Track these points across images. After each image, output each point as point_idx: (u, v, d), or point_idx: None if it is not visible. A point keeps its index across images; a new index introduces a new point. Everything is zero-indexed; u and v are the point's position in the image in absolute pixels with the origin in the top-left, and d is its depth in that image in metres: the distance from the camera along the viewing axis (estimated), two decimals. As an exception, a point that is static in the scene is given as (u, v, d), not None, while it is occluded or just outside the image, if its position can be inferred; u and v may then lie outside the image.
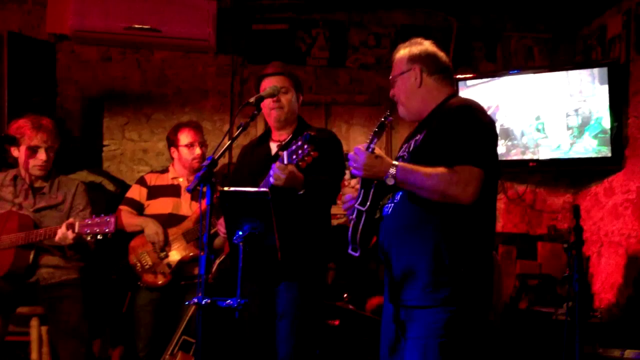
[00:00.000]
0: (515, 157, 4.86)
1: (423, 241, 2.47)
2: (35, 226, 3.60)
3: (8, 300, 3.64)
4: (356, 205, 2.56)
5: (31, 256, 3.60)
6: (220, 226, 3.41)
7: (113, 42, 4.86)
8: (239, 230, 2.61)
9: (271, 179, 2.99)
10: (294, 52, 5.09)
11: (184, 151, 4.05)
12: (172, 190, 4.05)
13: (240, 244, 2.58)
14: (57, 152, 3.75)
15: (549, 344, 3.73)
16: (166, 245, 3.90)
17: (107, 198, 4.57)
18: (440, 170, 2.40)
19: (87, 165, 4.82)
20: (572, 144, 4.65)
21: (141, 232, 3.94)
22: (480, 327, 2.50)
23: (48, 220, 3.66)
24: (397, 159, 2.63)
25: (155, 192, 4.07)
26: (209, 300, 2.43)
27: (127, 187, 4.41)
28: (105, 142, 5.02)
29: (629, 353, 3.07)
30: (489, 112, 4.70)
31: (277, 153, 3.31)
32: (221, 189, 2.71)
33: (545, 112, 4.75)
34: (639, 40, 4.36)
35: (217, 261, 3.52)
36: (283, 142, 3.31)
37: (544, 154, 4.76)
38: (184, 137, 4.06)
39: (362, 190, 2.56)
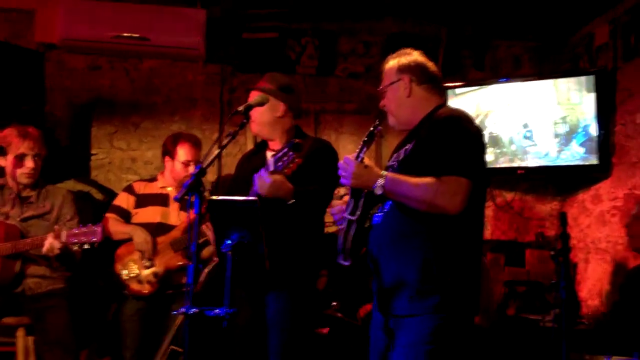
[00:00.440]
0: (503, 165, 4.89)
1: (412, 250, 2.47)
2: (22, 236, 3.58)
3: (-6, 310, 3.62)
4: (346, 215, 2.57)
5: (18, 266, 3.58)
6: (211, 232, 3.41)
7: (102, 51, 4.85)
8: (227, 239, 2.61)
9: (256, 187, 2.99)
10: (284, 61, 5.10)
11: (178, 166, 4.01)
12: (161, 199, 4.03)
13: (229, 253, 2.58)
14: (44, 161, 3.73)
15: (537, 350, 3.74)
16: (153, 254, 3.89)
17: (95, 207, 4.55)
18: (428, 180, 2.41)
19: (75, 174, 4.79)
20: (559, 152, 4.68)
21: (128, 240, 3.92)
22: (468, 334, 2.52)
23: (35, 230, 3.65)
24: (387, 169, 2.64)
25: (143, 200, 4.04)
26: (196, 310, 2.42)
27: (116, 196, 4.39)
28: (93, 151, 5.01)
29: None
30: (478, 120, 4.82)
31: None
32: (209, 198, 2.71)
33: (533, 120, 4.77)
34: (626, 49, 4.39)
35: (206, 270, 3.51)
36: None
37: (532, 162, 4.79)
38: (183, 153, 4.00)
39: (352, 200, 2.57)
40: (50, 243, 3.47)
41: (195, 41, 4.66)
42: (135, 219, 4.01)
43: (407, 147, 2.63)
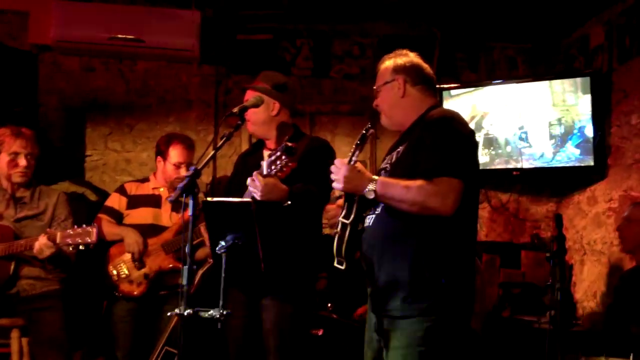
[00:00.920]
0: (499, 166, 4.89)
1: (404, 252, 2.47)
2: (16, 237, 3.57)
3: (-12, 312, 3.60)
4: (340, 218, 2.57)
5: (12, 267, 3.57)
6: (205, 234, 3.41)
7: (96, 53, 4.84)
8: (222, 241, 2.60)
9: (251, 189, 2.98)
10: (279, 62, 5.09)
11: (170, 167, 3.99)
12: (153, 201, 4.01)
13: (223, 254, 2.57)
14: (37, 161, 3.72)
15: (532, 352, 3.74)
16: (144, 255, 3.87)
17: (89, 209, 4.53)
18: (419, 182, 2.41)
19: (69, 175, 4.78)
20: (555, 153, 4.68)
21: (121, 240, 3.91)
22: (461, 336, 2.51)
23: (29, 230, 3.63)
24: (379, 171, 2.65)
25: (135, 201, 4.02)
26: (191, 311, 2.41)
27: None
28: (87, 153, 4.99)
29: (610, 361, 3.09)
30: (473, 122, 4.83)
31: None
32: (204, 199, 2.70)
33: (529, 121, 4.78)
34: (621, 51, 4.40)
35: (200, 272, 3.50)
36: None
37: (528, 163, 4.79)
38: (174, 155, 3.98)
39: (346, 203, 2.56)
40: (40, 244, 3.45)
41: (189, 43, 4.66)
42: (127, 220, 4.00)
43: (399, 149, 2.63)
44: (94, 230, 3.42)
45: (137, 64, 5.03)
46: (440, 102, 4.83)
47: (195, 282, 3.36)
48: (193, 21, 4.64)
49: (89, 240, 3.43)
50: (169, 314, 2.58)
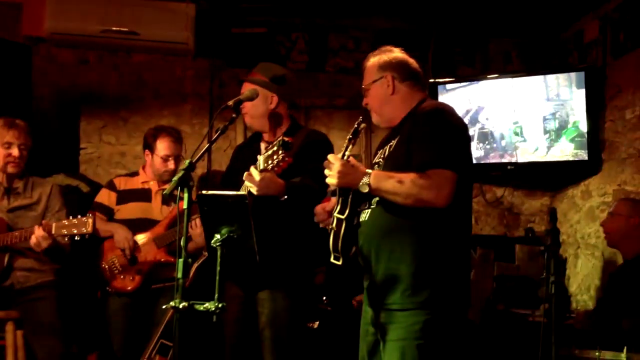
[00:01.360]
0: (493, 160, 4.90)
1: (401, 245, 2.48)
2: (9, 228, 3.56)
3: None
4: (335, 214, 2.56)
5: (6, 259, 3.57)
6: (194, 230, 3.46)
7: (90, 45, 4.83)
8: (217, 234, 2.59)
9: (247, 184, 2.97)
10: (274, 56, 5.07)
11: (157, 160, 3.95)
12: (143, 195, 3.98)
13: (218, 247, 2.57)
14: (30, 153, 3.71)
15: (526, 345, 3.74)
16: (136, 250, 3.86)
17: (83, 201, 4.51)
18: (413, 175, 2.41)
19: (63, 168, 4.76)
20: (549, 148, 4.69)
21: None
22: (458, 329, 2.52)
23: (22, 221, 3.63)
24: (372, 166, 2.64)
25: (125, 196, 3.99)
26: (186, 304, 2.41)
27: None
28: (82, 146, 4.98)
29: (604, 354, 3.09)
30: (468, 115, 4.83)
31: None
32: (199, 192, 2.69)
33: (523, 115, 4.78)
34: (615, 45, 4.41)
35: (195, 265, 3.49)
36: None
37: (522, 157, 4.80)
38: (162, 148, 3.93)
39: (341, 198, 2.55)
40: (36, 237, 3.44)
41: (184, 35, 4.65)
42: (117, 215, 3.97)
43: (391, 143, 2.63)
44: (89, 221, 3.41)
45: (132, 56, 5.02)
46: (435, 97, 4.84)
47: (190, 275, 3.35)
48: (187, 14, 4.62)
49: (85, 231, 3.41)
50: (164, 307, 2.57)
